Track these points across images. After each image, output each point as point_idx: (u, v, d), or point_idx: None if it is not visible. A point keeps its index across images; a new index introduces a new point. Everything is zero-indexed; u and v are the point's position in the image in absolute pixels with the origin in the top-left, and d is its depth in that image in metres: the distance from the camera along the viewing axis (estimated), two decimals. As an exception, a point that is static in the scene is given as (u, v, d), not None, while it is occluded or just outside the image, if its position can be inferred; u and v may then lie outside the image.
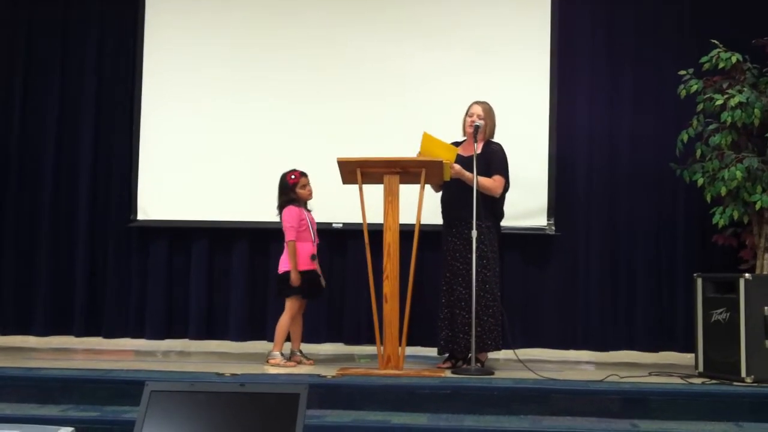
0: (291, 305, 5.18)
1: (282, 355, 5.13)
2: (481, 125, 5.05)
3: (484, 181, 4.95)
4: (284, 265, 5.21)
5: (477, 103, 5.20)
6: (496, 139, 5.24)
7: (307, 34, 6.16)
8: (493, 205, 5.12)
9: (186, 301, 6.17)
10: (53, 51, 6.42)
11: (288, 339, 5.23)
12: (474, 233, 4.78)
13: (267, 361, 5.10)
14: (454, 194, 5.08)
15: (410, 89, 6.02)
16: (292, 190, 5.24)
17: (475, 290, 4.77)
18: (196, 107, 6.19)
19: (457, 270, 5.03)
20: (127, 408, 4.02)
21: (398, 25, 6.11)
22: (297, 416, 2.19)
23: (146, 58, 6.26)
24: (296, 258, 5.13)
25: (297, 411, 2.19)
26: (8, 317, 6.25)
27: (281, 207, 5.26)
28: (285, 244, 5.18)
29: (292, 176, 5.25)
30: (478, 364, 4.83)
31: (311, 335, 5.88)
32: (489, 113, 5.17)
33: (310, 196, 5.31)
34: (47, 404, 4.19)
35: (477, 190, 4.83)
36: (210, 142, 6.15)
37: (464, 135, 5.26)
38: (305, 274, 5.16)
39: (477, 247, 4.81)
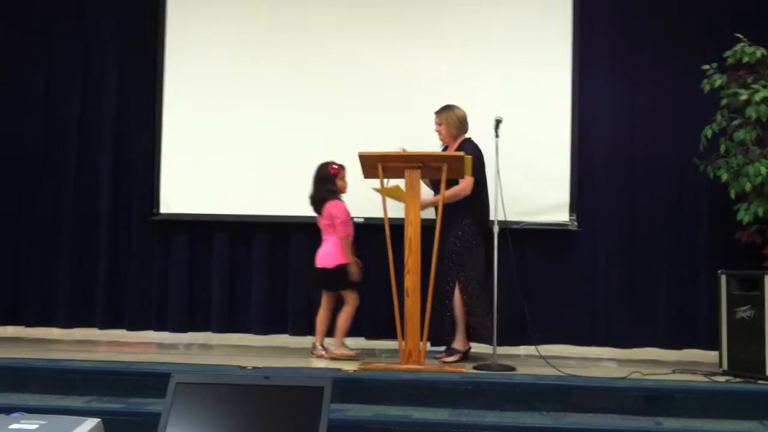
0: (352, 296, 5.24)
1: (343, 345, 5.20)
2: (502, 119, 5.05)
3: (448, 193, 5.04)
4: (335, 259, 5.22)
5: (435, 113, 5.37)
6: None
7: (331, 30, 6.13)
8: (472, 203, 5.19)
9: (208, 294, 6.19)
10: (74, 44, 6.45)
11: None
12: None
13: (330, 352, 5.15)
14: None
15: (431, 85, 5.95)
16: (332, 181, 5.21)
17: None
18: (218, 101, 6.19)
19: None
20: (151, 400, 4.06)
21: (417, 22, 6.05)
22: (321, 409, 2.19)
23: (168, 51, 6.27)
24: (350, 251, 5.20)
25: (321, 404, 2.19)
26: (32, 309, 6.30)
27: (324, 199, 5.23)
28: (337, 238, 5.20)
29: (334, 166, 5.23)
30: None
31: (332, 330, 5.89)
32: (445, 119, 5.33)
33: (345, 189, 5.31)
34: (71, 395, 4.24)
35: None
36: (231, 136, 6.16)
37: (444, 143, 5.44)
38: (348, 267, 5.21)
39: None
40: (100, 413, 3.66)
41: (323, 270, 5.26)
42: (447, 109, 5.36)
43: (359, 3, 6.17)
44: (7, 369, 4.45)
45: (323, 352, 5.21)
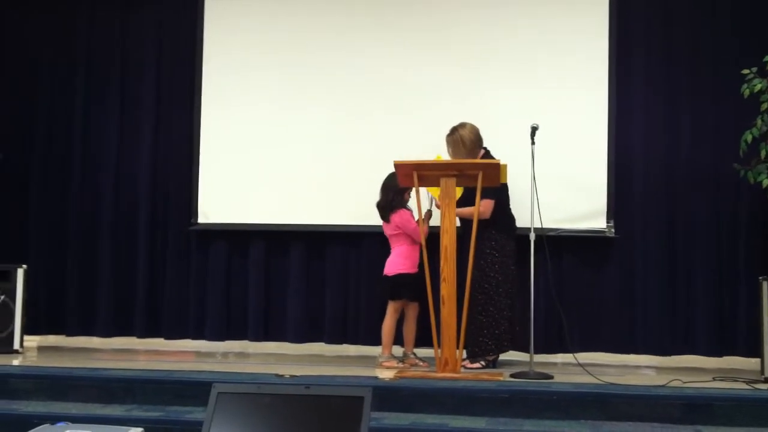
0: (395, 308, 5.26)
1: (393, 356, 5.21)
2: (538, 126, 5.01)
3: (465, 211, 5.00)
4: (391, 267, 5.28)
5: (447, 137, 5.30)
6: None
7: (370, 44, 6.15)
8: (496, 217, 5.15)
9: (245, 303, 6.24)
10: (113, 54, 6.56)
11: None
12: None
13: (380, 365, 5.18)
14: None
15: (468, 96, 5.93)
16: (399, 190, 5.23)
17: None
18: (255, 112, 6.25)
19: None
20: (190, 408, 4.10)
21: (456, 40, 6.03)
22: (362, 419, 2.20)
23: (205, 60, 6.34)
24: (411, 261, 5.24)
25: (362, 413, 2.21)
26: (72, 319, 6.40)
27: (393, 208, 5.27)
28: (400, 247, 5.26)
29: None
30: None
31: (368, 338, 5.91)
32: (460, 138, 5.21)
33: (408, 199, 5.34)
34: (111, 404, 4.29)
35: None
36: (268, 146, 6.20)
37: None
38: (414, 277, 5.21)
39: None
40: (141, 422, 3.72)
41: (383, 278, 5.35)
42: (457, 129, 5.26)
43: (400, 18, 6.16)
44: (51, 378, 4.52)
45: (417, 360, 5.30)
